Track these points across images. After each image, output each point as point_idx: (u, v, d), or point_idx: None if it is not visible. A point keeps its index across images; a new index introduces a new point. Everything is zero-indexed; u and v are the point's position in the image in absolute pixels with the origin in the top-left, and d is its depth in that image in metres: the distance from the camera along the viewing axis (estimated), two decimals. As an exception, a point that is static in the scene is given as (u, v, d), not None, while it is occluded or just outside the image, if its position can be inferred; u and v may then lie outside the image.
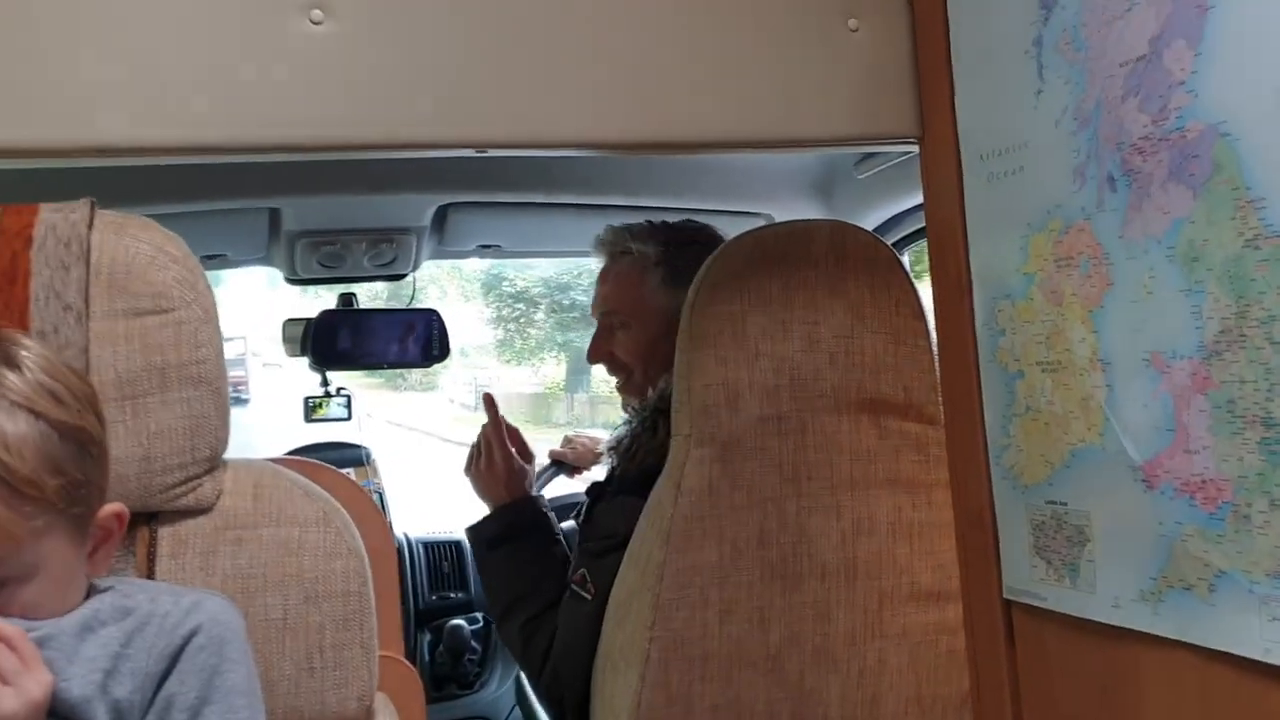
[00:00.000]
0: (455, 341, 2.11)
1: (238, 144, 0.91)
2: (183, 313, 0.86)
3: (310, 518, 0.92)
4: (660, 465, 1.35)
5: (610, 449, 1.48)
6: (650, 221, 1.63)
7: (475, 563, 1.68)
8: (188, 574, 0.88)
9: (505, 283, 20.21)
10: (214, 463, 0.90)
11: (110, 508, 0.80)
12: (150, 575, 0.87)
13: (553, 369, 21.32)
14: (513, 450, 1.66)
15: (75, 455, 0.75)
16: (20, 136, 0.85)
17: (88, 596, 0.80)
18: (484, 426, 1.67)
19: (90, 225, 0.84)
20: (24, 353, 0.75)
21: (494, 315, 21.69)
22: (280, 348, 2.10)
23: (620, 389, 1.65)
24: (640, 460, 1.42)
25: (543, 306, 20.20)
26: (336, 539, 0.92)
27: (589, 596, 1.40)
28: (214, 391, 0.88)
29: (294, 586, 0.90)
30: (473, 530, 1.63)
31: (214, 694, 0.78)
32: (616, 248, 1.62)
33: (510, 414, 1.74)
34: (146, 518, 0.88)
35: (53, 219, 0.84)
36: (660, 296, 1.57)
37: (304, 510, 0.92)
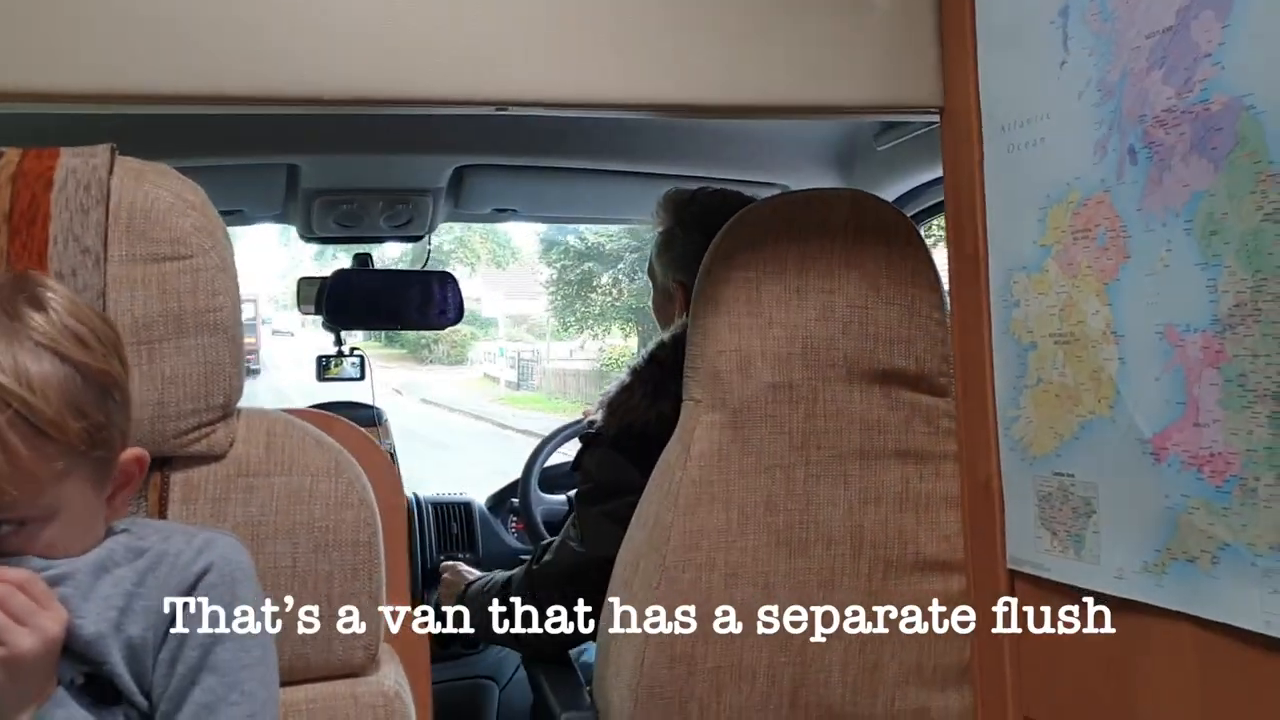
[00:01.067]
0: (495, 309, 2.10)
1: (257, 94, 0.91)
2: (200, 260, 0.87)
3: (322, 467, 0.92)
4: (634, 425, 1.43)
5: (600, 405, 1.52)
6: (672, 191, 1.65)
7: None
8: (199, 520, 0.89)
9: (570, 239, 18.39)
10: (227, 410, 0.90)
11: (131, 452, 0.81)
12: (162, 518, 0.88)
13: (618, 341, 19.33)
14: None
15: (99, 398, 0.76)
16: (41, 81, 0.85)
17: (105, 538, 0.80)
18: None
19: (110, 170, 0.85)
20: (51, 295, 0.76)
21: (552, 279, 20.22)
22: (291, 314, 2.12)
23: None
24: (620, 418, 1.47)
25: (622, 265, 18.28)
26: (348, 489, 0.92)
27: (581, 550, 1.49)
28: (229, 339, 0.88)
29: (304, 535, 0.91)
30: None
31: (226, 633, 0.79)
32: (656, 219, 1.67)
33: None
34: (160, 463, 0.89)
35: (73, 163, 0.84)
36: (657, 264, 1.64)
37: (316, 460, 0.92)
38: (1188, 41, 0.78)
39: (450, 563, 2.01)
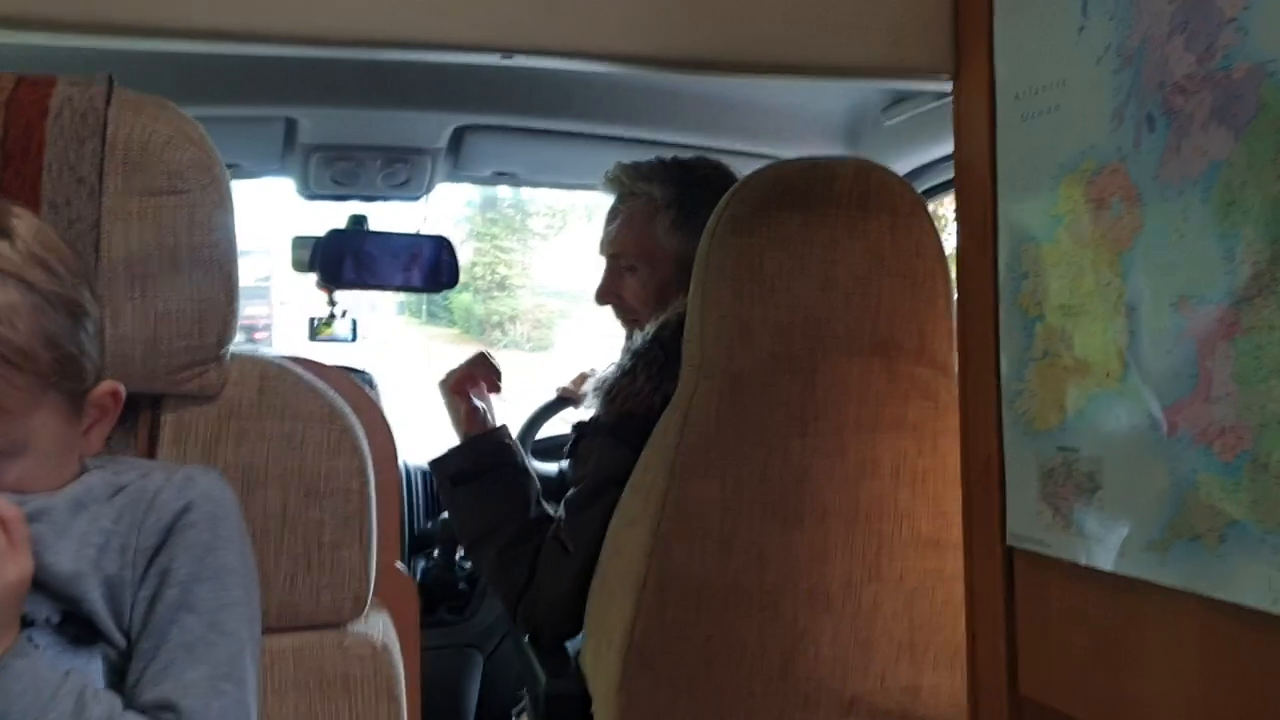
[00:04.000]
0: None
1: (256, 31, 0.89)
2: (197, 195, 0.85)
3: (315, 414, 0.91)
4: (638, 412, 1.35)
5: (595, 390, 1.47)
6: (662, 159, 1.60)
7: (441, 495, 1.69)
8: (189, 462, 0.87)
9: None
10: (221, 350, 0.89)
11: (106, 385, 0.79)
12: (150, 459, 0.87)
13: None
14: (482, 388, 1.66)
15: (69, 327, 0.74)
16: (34, 7, 0.83)
17: (81, 474, 0.79)
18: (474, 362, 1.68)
19: (108, 101, 0.83)
20: (16, 221, 0.73)
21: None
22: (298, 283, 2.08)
23: (629, 332, 1.64)
24: (620, 405, 1.41)
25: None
26: (341, 437, 0.91)
27: (569, 551, 1.41)
28: (225, 277, 0.87)
29: (295, 481, 0.89)
30: (437, 464, 1.62)
31: (206, 571, 0.77)
32: (625, 187, 1.59)
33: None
34: (150, 401, 0.87)
35: (69, 91, 0.82)
36: (670, 240, 1.54)
37: (309, 406, 0.91)
38: (1211, 6, 0.77)
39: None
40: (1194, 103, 0.78)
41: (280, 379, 0.91)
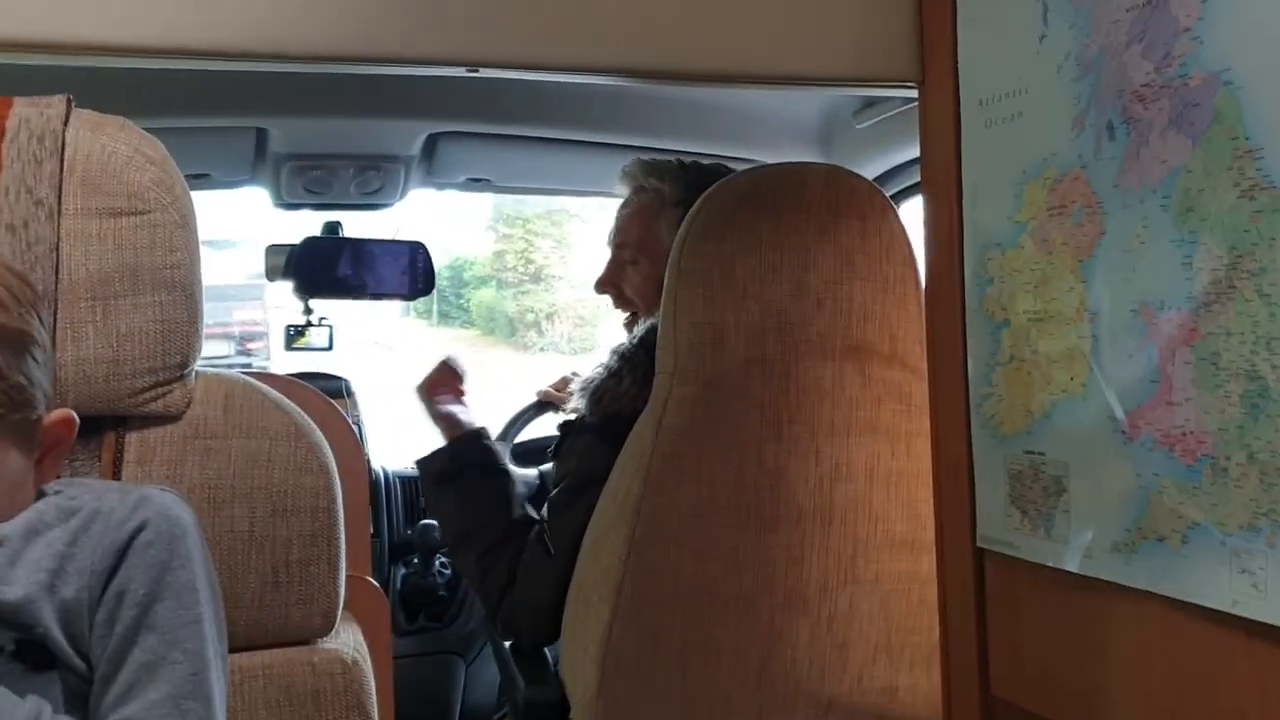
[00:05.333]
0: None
1: (219, 49, 0.88)
2: (159, 215, 0.85)
3: (281, 431, 0.91)
4: (624, 413, 1.35)
5: (581, 390, 1.47)
6: (680, 160, 1.61)
7: (425, 496, 1.70)
8: (154, 482, 0.87)
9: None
10: (185, 370, 0.89)
11: (59, 414, 0.78)
12: (115, 480, 0.86)
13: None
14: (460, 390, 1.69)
15: (16, 358, 0.73)
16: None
17: (36, 501, 0.78)
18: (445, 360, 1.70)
19: (66, 121, 0.82)
20: None
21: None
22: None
23: (625, 325, 1.65)
24: (606, 406, 1.41)
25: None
26: (308, 454, 0.91)
27: (551, 554, 1.41)
28: (187, 297, 0.86)
29: (262, 499, 0.89)
30: (423, 464, 1.64)
31: (165, 590, 0.76)
32: (638, 181, 1.61)
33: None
34: (114, 422, 0.87)
35: (27, 112, 0.82)
36: (671, 238, 1.54)
37: (275, 423, 0.91)
38: (1167, 16, 0.77)
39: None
40: (1152, 110, 0.79)
41: (246, 397, 0.91)
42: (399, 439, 1.63)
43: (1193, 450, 0.76)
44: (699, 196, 1.51)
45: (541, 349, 14.60)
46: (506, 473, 1.58)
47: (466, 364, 1.73)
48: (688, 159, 1.62)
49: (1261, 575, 0.71)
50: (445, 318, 17.44)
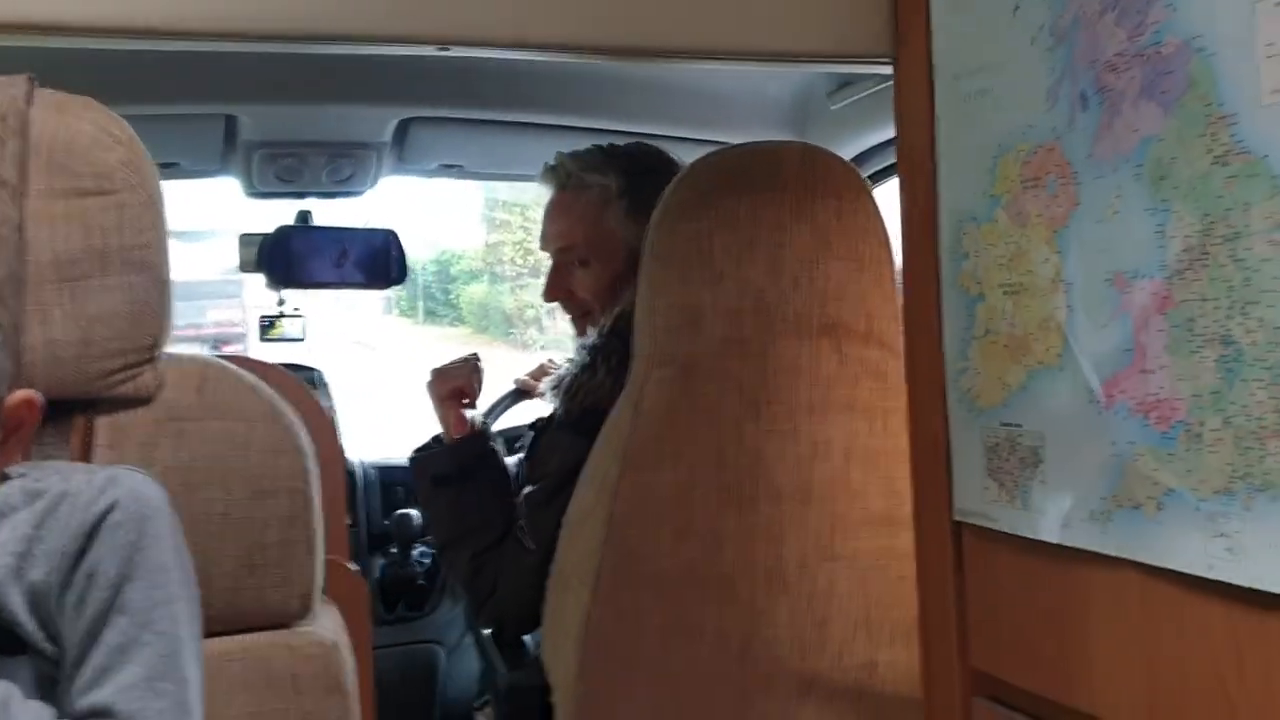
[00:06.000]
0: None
1: (182, 28, 0.87)
2: (126, 195, 0.83)
3: (256, 413, 0.90)
4: (599, 407, 1.35)
5: (553, 387, 1.45)
6: (602, 147, 1.57)
7: (418, 493, 1.66)
8: (126, 465, 0.86)
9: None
10: (155, 351, 0.88)
11: (20, 395, 0.77)
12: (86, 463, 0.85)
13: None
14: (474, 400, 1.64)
15: None
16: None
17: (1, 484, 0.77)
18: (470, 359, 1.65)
19: (29, 101, 0.81)
20: None
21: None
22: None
23: (579, 328, 1.61)
24: (581, 400, 1.40)
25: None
26: (283, 436, 0.90)
27: (532, 548, 1.40)
28: (156, 278, 0.85)
29: (237, 482, 0.88)
30: (420, 463, 1.60)
31: (136, 570, 0.75)
32: (574, 179, 1.56)
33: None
34: (84, 405, 0.86)
35: None
36: (624, 229, 1.52)
37: (250, 405, 0.90)
38: (1141, -16, 0.77)
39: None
40: (1125, 80, 0.79)
41: (220, 380, 0.90)
42: (375, 432, 1.60)
43: (1167, 417, 0.76)
44: (636, 181, 1.50)
45: (543, 346, 13.17)
46: (508, 475, 1.56)
47: (486, 370, 1.68)
48: (606, 142, 1.59)
49: (1237, 539, 0.72)
50: (432, 315, 16.87)
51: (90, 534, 0.74)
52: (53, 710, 0.73)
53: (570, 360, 1.45)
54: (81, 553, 0.74)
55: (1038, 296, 0.88)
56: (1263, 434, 0.69)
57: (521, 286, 15.68)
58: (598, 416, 1.34)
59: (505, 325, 15.73)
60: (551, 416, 1.46)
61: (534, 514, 1.42)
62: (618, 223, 1.52)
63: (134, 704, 0.73)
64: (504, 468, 1.57)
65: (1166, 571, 0.77)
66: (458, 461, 1.55)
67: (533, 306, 14.78)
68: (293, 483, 0.90)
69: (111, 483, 0.76)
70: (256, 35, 0.87)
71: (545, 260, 1.63)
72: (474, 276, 16.89)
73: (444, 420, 1.61)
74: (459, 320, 16.62)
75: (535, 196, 1.60)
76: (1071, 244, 0.85)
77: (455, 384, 1.62)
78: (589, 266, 1.55)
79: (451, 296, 16.76)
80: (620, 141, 1.61)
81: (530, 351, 13.14)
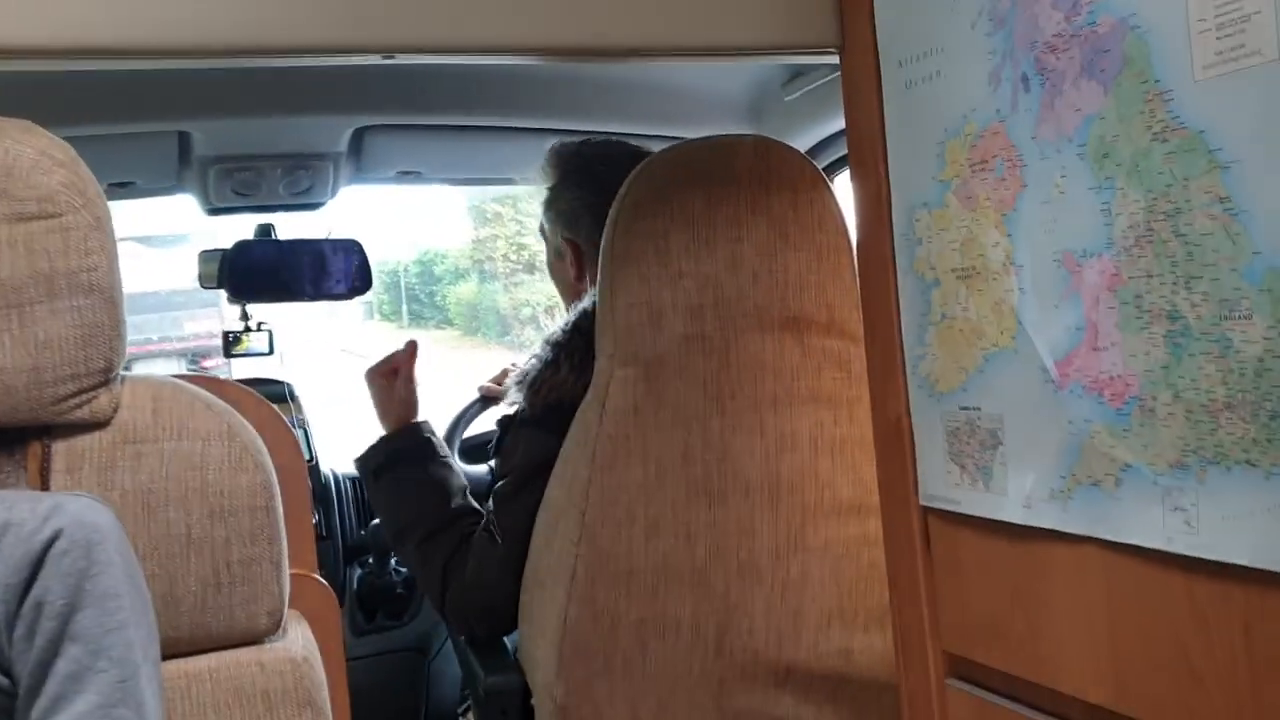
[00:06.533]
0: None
1: (128, 46, 0.86)
2: (71, 218, 0.83)
3: (213, 432, 0.89)
4: (563, 402, 1.35)
5: (517, 383, 1.46)
6: (556, 146, 1.59)
7: (366, 491, 1.67)
8: (84, 489, 0.85)
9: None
10: (109, 374, 0.87)
11: None
12: (44, 491, 0.84)
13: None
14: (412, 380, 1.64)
15: None
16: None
17: None
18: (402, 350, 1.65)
19: None
20: None
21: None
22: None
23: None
24: (544, 396, 1.40)
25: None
26: (242, 453, 0.89)
27: (499, 541, 1.40)
28: (107, 301, 0.84)
29: (197, 501, 0.87)
30: (360, 460, 1.61)
31: (85, 599, 0.74)
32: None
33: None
34: (38, 431, 0.85)
35: None
36: (551, 231, 1.57)
37: (206, 424, 0.89)
38: (1075, -34, 0.78)
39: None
40: (1064, 60, 0.80)
41: (175, 399, 0.89)
42: (360, 442, 1.59)
43: (1121, 393, 0.77)
44: (562, 175, 1.51)
45: (523, 345, 12.80)
46: (445, 463, 1.56)
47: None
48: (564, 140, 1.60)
49: (1193, 511, 0.72)
50: (418, 318, 16.30)
51: (36, 564, 0.73)
52: None
53: (536, 356, 1.45)
54: (28, 583, 0.73)
55: (990, 280, 0.89)
56: (1213, 407, 0.70)
57: (516, 284, 15.05)
58: (561, 411, 1.35)
59: (499, 326, 15.23)
60: (517, 412, 1.46)
61: (500, 507, 1.42)
62: (543, 216, 1.57)
63: None
64: (439, 457, 1.56)
65: (1127, 547, 0.78)
66: (391, 447, 1.56)
67: (528, 305, 14.30)
68: (254, 500, 0.89)
69: (56, 510, 0.75)
70: (203, 51, 0.86)
71: (540, 256, 1.65)
72: (460, 275, 16.31)
73: (377, 404, 1.62)
74: (446, 322, 16.07)
75: (528, 190, 1.61)
76: (1020, 226, 0.85)
77: (388, 365, 1.63)
78: (551, 264, 1.57)
79: (437, 298, 16.26)
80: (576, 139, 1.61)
81: (529, 352, 12.25)
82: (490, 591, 1.39)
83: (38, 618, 0.73)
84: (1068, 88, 0.80)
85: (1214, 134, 0.68)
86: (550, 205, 1.55)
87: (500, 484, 1.44)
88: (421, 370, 1.64)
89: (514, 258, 15.17)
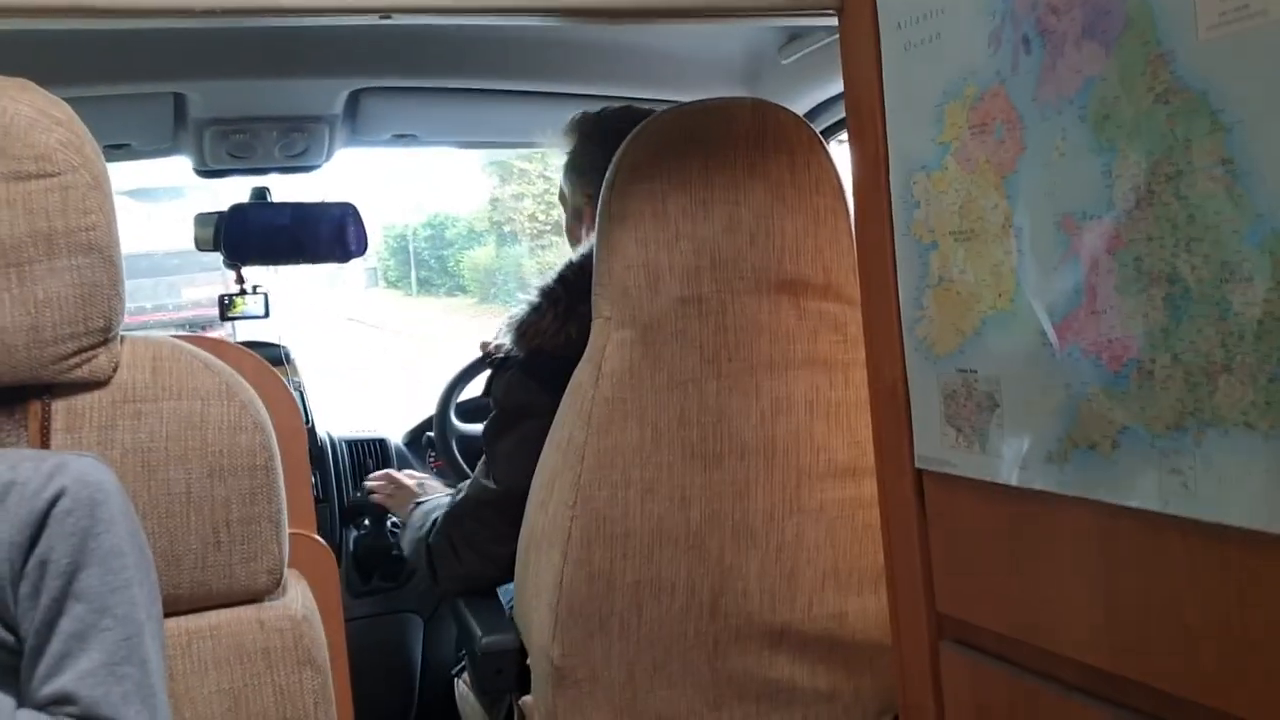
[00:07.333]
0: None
1: (124, 6, 0.85)
2: (69, 177, 0.82)
3: (212, 391, 0.89)
4: (546, 349, 1.39)
5: (508, 327, 1.49)
6: (580, 113, 1.62)
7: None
8: (85, 448, 0.85)
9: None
10: (109, 334, 0.87)
11: None
12: (45, 449, 0.84)
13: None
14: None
15: None
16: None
17: None
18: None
19: None
20: None
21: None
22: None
23: None
24: (529, 340, 1.44)
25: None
26: (240, 413, 0.90)
27: (493, 485, 1.46)
28: (106, 260, 0.84)
29: (197, 460, 0.88)
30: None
31: (89, 557, 0.74)
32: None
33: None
34: (39, 390, 0.85)
35: None
36: (569, 189, 1.62)
37: (206, 384, 0.89)
38: (1079, -74, 0.78)
39: (397, 474, 1.97)
40: (1066, 21, 0.79)
41: (174, 359, 0.89)
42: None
43: (1119, 356, 0.77)
44: (581, 136, 1.54)
45: None
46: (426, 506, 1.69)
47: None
48: (591, 106, 1.63)
49: (1190, 474, 0.73)
50: (427, 285, 15.63)
51: (40, 523, 0.73)
52: (13, 701, 0.72)
53: (529, 302, 1.48)
54: (32, 542, 0.73)
55: (989, 242, 0.89)
56: (1211, 370, 0.70)
57: (544, 246, 14.01)
58: (545, 359, 1.39)
59: (521, 291, 14.45)
60: (506, 354, 1.50)
61: (490, 446, 1.49)
62: (564, 179, 1.61)
63: (96, 690, 0.72)
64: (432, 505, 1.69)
65: (1124, 509, 0.78)
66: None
67: (554, 268, 13.59)
68: (253, 459, 0.90)
69: (59, 469, 0.75)
70: (200, 11, 0.86)
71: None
72: (476, 239, 15.50)
73: (397, 512, 1.86)
74: (458, 289, 15.24)
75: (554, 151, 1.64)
76: (1020, 188, 0.85)
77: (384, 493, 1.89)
78: (569, 226, 1.64)
79: (449, 264, 15.58)
80: (581, 105, 1.63)
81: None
82: (486, 532, 1.46)
83: (42, 576, 0.73)
84: (1069, 49, 0.79)
85: (1217, 95, 0.68)
86: (570, 166, 1.58)
87: (487, 423, 1.51)
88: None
89: (541, 218, 14.28)
